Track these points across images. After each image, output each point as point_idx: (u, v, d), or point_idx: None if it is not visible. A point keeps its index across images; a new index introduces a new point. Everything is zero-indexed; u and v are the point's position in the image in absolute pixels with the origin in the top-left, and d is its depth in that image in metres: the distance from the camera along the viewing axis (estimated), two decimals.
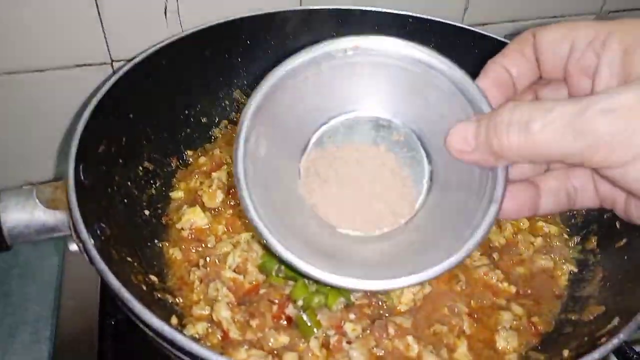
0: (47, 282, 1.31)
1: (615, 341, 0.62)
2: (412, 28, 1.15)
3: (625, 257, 0.85)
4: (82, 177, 0.77)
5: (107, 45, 1.17)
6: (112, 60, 1.21)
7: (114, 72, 0.99)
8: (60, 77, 1.19)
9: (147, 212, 0.96)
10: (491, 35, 1.12)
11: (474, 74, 0.57)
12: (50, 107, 1.20)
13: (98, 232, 0.76)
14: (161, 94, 1.04)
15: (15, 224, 0.72)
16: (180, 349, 0.58)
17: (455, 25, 1.14)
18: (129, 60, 0.98)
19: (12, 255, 1.35)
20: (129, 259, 0.82)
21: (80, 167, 0.78)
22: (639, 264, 0.80)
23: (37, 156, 1.25)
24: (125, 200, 0.91)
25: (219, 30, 1.09)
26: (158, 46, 1.01)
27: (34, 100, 1.18)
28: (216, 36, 1.10)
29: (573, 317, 0.84)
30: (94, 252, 0.65)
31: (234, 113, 1.19)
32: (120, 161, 0.93)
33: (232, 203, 0.98)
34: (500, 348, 0.80)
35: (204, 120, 1.14)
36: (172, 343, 0.58)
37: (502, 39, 1.11)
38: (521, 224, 1.00)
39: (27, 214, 0.72)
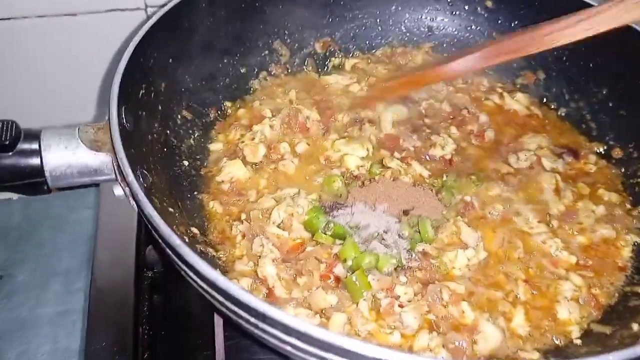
0: (78, 233, 1.30)
1: None
2: None
3: None
4: (124, 120, 0.73)
5: None
6: (147, 6, 1.15)
7: (150, 17, 0.93)
8: (91, 22, 1.14)
9: (186, 163, 0.91)
10: None
11: None
12: (82, 52, 1.15)
13: (141, 179, 0.72)
14: (199, 40, 0.98)
15: (58, 164, 0.68)
16: (234, 300, 0.54)
17: None
18: (164, 6, 0.92)
19: (44, 207, 1.34)
20: (170, 209, 0.78)
21: (123, 109, 0.73)
22: None
23: (73, 100, 1.21)
24: (165, 149, 0.87)
25: None
26: None
27: (66, 45, 1.14)
28: None
29: (639, 290, 0.78)
30: (142, 196, 0.60)
31: (272, 64, 1.12)
32: (160, 108, 0.88)
33: (274, 157, 0.93)
34: (561, 319, 0.75)
35: (242, 70, 1.07)
36: (225, 293, 0.54)
37: None
38: (582, 190, 0.93)
39: (69, 155, 0.68)
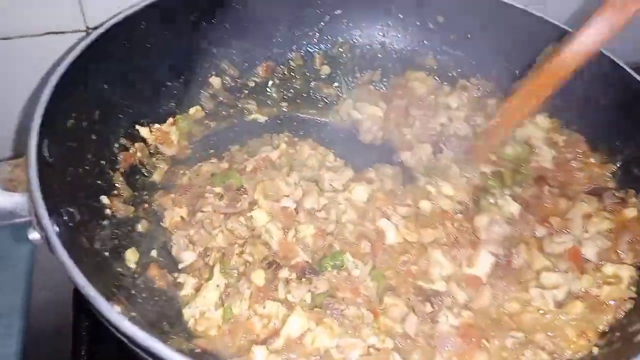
0: (20, 270, 1.20)
1: None
2: None
3: None
4: (47, 154, 0.67)
5: (82, 11, 1.05)
6: (88, 28, 1.09)
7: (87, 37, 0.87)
8: (28, 46, 1.07)
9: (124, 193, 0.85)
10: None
11: None
12: (16, 78, 1.08)
13: (65, 217, 0.66)
14: (140, 62, 0.93)
15: None
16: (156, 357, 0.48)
17: None
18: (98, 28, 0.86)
19: None
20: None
21: (45, 142, 0.67)
22: None
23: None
24: (99, 182, 0.81)
25: None
26: (136, 7, 0.89)
27: None
28: None
29: None
30: (56, 242, 0.55)
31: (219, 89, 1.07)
32: (93, 137, 0.82)
33: None
34: None
35: (187, 93, 1.02)
36: (146, 350, 0.48)
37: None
38: None
39: None
